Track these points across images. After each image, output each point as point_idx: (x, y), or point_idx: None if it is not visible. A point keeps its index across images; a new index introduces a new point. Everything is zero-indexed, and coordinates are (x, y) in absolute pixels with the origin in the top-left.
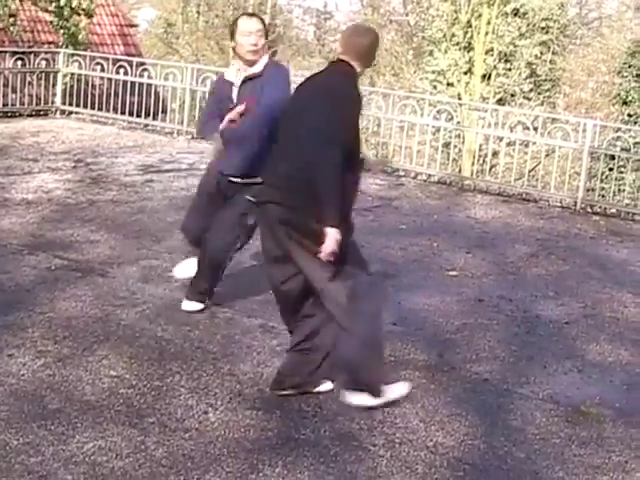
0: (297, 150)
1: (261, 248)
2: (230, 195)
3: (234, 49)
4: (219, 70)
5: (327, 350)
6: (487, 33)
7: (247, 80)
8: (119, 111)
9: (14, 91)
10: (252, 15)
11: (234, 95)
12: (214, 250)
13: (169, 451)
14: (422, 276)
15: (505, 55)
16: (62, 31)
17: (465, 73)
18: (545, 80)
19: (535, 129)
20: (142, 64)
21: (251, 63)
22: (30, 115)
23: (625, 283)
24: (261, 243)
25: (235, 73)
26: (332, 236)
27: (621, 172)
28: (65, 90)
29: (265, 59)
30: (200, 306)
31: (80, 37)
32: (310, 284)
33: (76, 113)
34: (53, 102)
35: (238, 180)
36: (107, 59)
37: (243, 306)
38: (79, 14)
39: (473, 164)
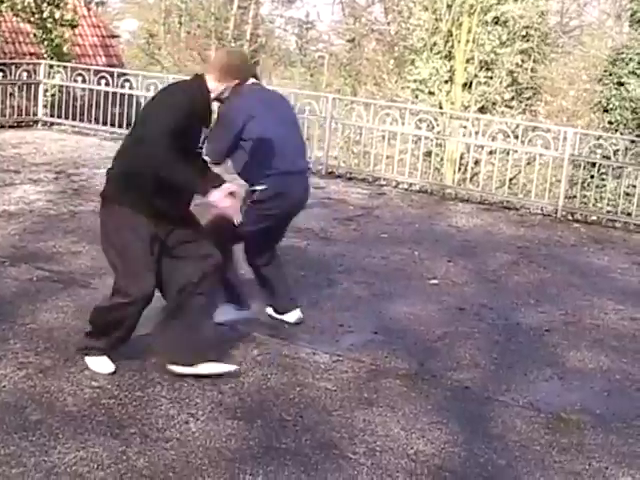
0: None
1: None
2: None
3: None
4: None
5: None
6: (468, 42)
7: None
8: (101, 122)
9: None
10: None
11: None
12: None
13: (150, 461)
14: (403, 285)
15: (486, 63)
16: (45, 43)
17: (446, 82)
18: (526, 88)
19: (516, 137)
20: (124, 75)
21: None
22: (12, 127)
23: (605, 290)
24: None
25: None
26: None
27: (602, 179)
28: (47, 101)
29: None
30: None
31: (65, 48)
32: None
33: (58, 124)
34: (35, 113)
35: None
36: (89, 70)
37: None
38: (63, 25)
39: (454, 173)
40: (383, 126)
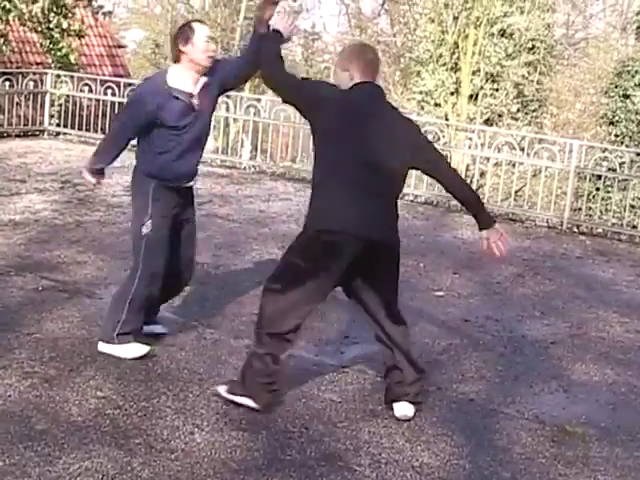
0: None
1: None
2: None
3: (181, 53)
4: None
5: None
6: (474, 54)
7: (205, 86)
8: (107, 132)
9: (2, 112)
10: (203, 22)
11: (196, 105)
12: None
13: (155, 472)
14: (409, 297)
15: (492, 75)
16: (52, 53)
17: (452, 94)
18: (532, 100)
19: (522, 149)
20: (130, 85)
21: (206, 71)
22: (18, 136)
23: (611, 303)
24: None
25: (186, 81)
26: None
27: (608, 192)
28: (53, 111)
29: None
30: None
31: (73, 59)
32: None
33: (64, 134)
34: (41, 123)
35: (191, 184)
36: (95, 80)
37: (230, 327)
38: (70, 35)
39: None
40: None
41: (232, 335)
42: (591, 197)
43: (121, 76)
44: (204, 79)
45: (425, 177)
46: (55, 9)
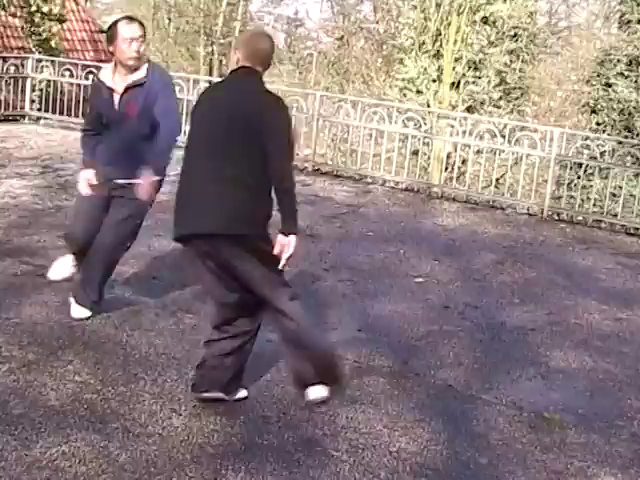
0: (250, 165)
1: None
2: (117, 195)
3: (112, 53)
4: (190, 76)
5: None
6: (456, 41)
7: (130, 87)
8: None
9: None
10: (133, 20)
11: (116, 104)
12: (109, 251)
13: (132, 456)
14: (388, 283)
15: (474, 63)
16: (33, 37)
17: (434, 81)
18: (514, 88)
19: (503, 137)
20: None
21: (132, 70)
22: None
23: (590, 290)
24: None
25: (113, 78)
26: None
27: (589, 180)
28: (34, 96)
29: (146, 64)
30: (89, 313)
31: (54, 43)
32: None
33: (45, 119)
34: (22, 107)
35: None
36: (76, 65)
37: (208, 312)
38: (51, 20)
39: (441, 172)
40: (370, 124)
41: (210, 320)
42: (572, 185)
43: (103, 61)
44: (133, 78)
45: (406, 164)
46: None
